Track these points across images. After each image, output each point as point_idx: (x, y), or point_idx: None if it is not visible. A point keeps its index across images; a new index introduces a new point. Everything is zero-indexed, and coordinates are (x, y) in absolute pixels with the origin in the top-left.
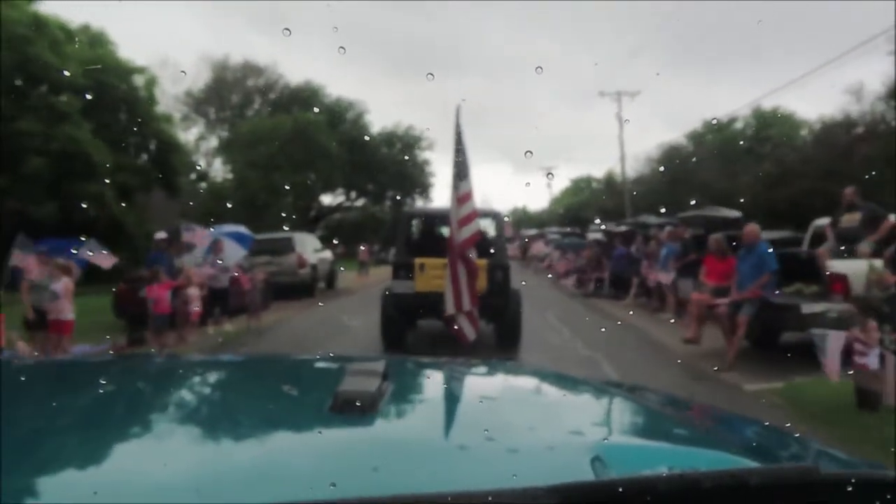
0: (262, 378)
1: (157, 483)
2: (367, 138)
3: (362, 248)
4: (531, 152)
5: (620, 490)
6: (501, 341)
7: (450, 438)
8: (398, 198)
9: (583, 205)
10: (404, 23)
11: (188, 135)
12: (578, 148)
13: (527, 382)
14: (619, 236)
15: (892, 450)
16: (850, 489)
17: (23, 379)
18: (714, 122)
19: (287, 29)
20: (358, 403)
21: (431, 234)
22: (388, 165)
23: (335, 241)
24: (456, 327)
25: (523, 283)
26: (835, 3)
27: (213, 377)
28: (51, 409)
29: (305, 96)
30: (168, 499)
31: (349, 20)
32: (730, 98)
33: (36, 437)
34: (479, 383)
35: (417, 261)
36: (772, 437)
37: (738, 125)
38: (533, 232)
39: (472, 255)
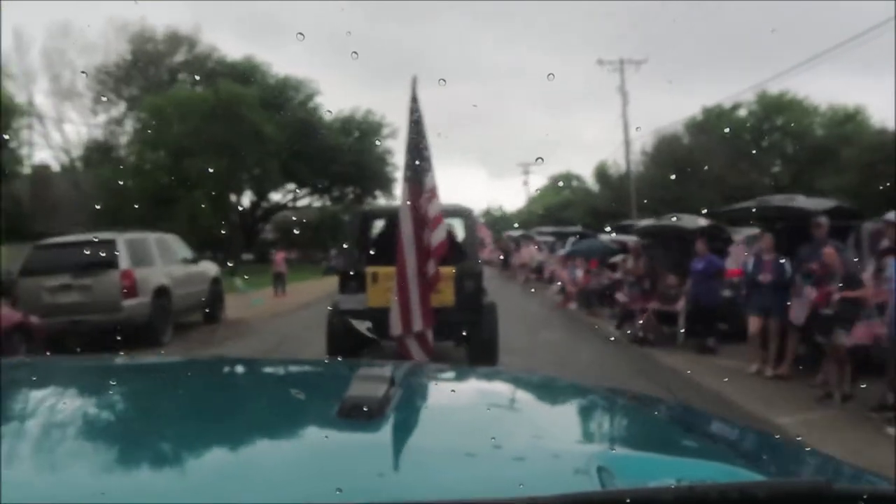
0: (271, 382)
1: (165, 485)
2: (320, 121)
3: (276, 253)
4: (542, 158)
5: (627, 501)
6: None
7: (456, 446)
8: (352, 195)
9: (565, 203)
10: (376, 27)
11: (98, 118)
12: (556, 150)
13: (534, 391)
14: (699, 236)
15: None
16: None
17: (25, 379)
18: (693, 119)
19: (300, 33)
20: (365, 409)
21: (392, 237)
22: (343, 155)
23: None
24: (404, 349)
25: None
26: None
27: (220, 379)
28: (63, 408)
29: (243, 72)
30: (176, 500)
31: (320, 22)
32: (716, 93)
33: (45, 439)
34: (487, 391)
35: (370, 270)
36: (781, 450)
37: (742, 112)
38: (518, 233)
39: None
